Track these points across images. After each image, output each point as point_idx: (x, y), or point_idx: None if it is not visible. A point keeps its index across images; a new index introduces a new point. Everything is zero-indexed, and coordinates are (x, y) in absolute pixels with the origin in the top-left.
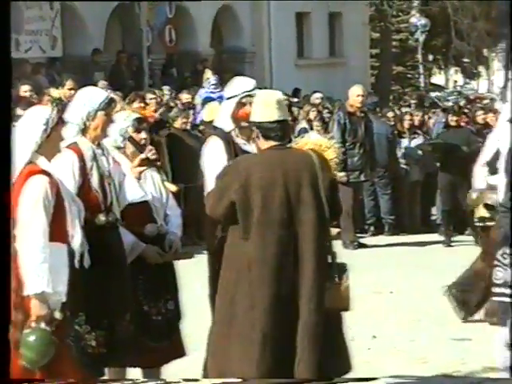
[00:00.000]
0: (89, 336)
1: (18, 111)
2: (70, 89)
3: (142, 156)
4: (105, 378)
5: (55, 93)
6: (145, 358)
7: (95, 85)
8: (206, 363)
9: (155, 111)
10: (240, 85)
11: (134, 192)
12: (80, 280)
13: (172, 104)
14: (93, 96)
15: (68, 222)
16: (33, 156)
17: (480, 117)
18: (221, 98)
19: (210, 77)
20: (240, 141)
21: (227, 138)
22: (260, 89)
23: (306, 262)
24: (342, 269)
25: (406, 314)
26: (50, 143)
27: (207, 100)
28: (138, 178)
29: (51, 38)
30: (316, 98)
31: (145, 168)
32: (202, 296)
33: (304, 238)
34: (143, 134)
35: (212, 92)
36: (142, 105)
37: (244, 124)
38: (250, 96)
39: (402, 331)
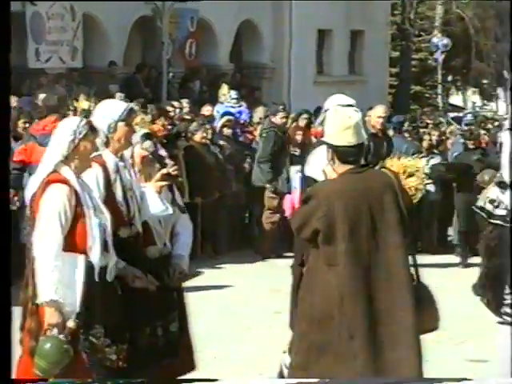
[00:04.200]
0: (109, 349)
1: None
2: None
3: (164, 171)
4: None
5: (84, 104)
6: (153, 374)
7: (112, 97)
8: None
9: (164, 126)
10: (335, 99)
11: (155, 205)
12: (99, 292)
13: (188, 117)
14: (112, 108)
15: (87, 234)
16: (57, 165)
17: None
18: (240, 114)
19: (226, 92)
20: None
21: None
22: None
23: (398, 288)
24: (427, 291)
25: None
26: (80, 154)
27: (226, 114)
28: (159, 192)
29: (72, 48)
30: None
31: (166, 183)
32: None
33: (394, 263)
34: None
35: (232, 107)
36: (166, 122)
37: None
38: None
39: None
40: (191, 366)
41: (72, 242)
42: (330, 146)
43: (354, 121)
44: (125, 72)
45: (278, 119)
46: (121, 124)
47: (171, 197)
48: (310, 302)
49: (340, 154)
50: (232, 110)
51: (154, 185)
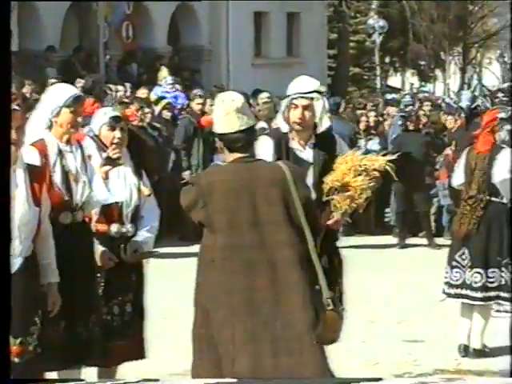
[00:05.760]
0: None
1: None
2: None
3: (104, 155)
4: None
5: None
6: (96, 358)
7: (46, 80)
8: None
9: (137, 111)
10: (297, 85)
11: (99, 193)
12: None
13: (127, 100)
14: (58, 92)
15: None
16: None
17: (440, 119)
18: (175, 98)
19: (166, 75)
20: (295, 145)
21: (280, 139)
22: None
23: (285, 288)
24: (329, 295)
25: (359, 315)
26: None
27: (161, 99)
28: (105, 178)
29: None
30: (261, 98)
31: (110, 168)
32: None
33: (281, 262)
34: (117, 133)
35: (167, 92)
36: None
37: (298, 127)
38: (303, 98)
39: (354, 333)
40: (140, 354)
41: None
42: (216, 134)
43: (235, 105)
44: (61, 55)
45: (194, 105)
46: (65, 110)
47: (137, 180)
48: (195, 298)
49: (225, 142)
50: (167, 95)
51: (100, 170)
